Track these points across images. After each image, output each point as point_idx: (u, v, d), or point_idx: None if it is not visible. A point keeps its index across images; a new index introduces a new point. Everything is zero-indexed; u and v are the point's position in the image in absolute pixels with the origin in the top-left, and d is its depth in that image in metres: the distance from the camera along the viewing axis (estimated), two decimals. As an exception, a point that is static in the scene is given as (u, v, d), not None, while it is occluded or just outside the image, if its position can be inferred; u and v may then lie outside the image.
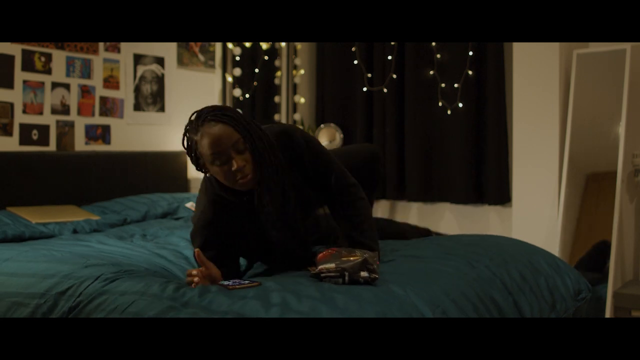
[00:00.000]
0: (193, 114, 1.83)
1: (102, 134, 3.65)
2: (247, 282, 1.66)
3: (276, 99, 4.90)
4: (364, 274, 1.61)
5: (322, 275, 1.64)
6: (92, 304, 1.73)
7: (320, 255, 1.78)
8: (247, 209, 1.88)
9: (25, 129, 3.28)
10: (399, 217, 4.63)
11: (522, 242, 2.41)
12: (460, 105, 4.25)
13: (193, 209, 3.48)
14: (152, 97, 3.96)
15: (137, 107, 3.87)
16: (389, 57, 4.48)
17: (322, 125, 4.74)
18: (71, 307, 1.77)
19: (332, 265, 1.64)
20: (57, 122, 3.42)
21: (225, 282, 1.67)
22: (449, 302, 1.61)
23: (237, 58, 4.49)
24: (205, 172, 1.86)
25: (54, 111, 3.40)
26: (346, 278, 1.61)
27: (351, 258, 1.67)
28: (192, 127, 1.80)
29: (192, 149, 1.80)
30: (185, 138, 1.82)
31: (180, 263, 2.20)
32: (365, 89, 4.59)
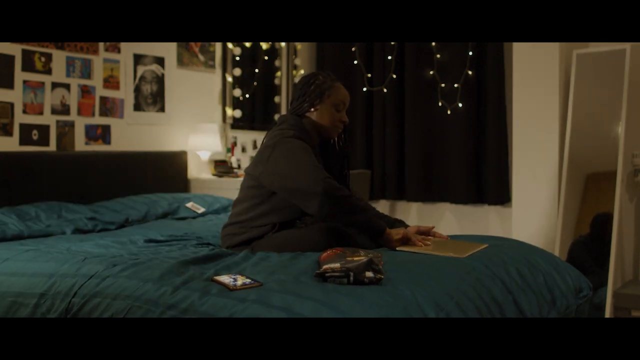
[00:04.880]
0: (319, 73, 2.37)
1: (102, 134, 3.65)
2: (249, 281, 1.66)
3: (276, 99, 4.90)
4: (369, 274, 1.61)
5: (327, 275, 1.64)
6: (86, 307, 1.73)
7: (324, 255, 1.78)
8: (319, 155, 2.32)
9: (25, 129, 3.28)
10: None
11: (520, 241, 2.41)
12: (460, 105, 4.25)
13: (193, 208, 3.48)
14: (152, 97, 3.96)
15: (137, 107, 3.87)
16: (389, 57, 4.48)
17: (322, 125, 4.74)
18: (67, 308, 1.77)
19: (337, 265, 1.64)
20: (57, 122, 3.42)
21: (227, 280, 1.67)
22: (453, 304, 1.61)
23: (237, 58, 4.49)
24: (309, 108, 2.30)
25: (54, 111, 3.40)
26: (351, 278, 1.61)
27: (356, 258, 1.66)
28: (327, 75, 2.35)
29: (323, 86, 2.30)
30: (320, 76, 2.33)
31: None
32: (365, 89, 4.59)
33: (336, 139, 2.40)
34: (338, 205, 2.02)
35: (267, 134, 2.31)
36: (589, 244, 3.36)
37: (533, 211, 3.58)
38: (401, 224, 2.40)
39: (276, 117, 4.89)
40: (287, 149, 2.14)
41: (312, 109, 2.30)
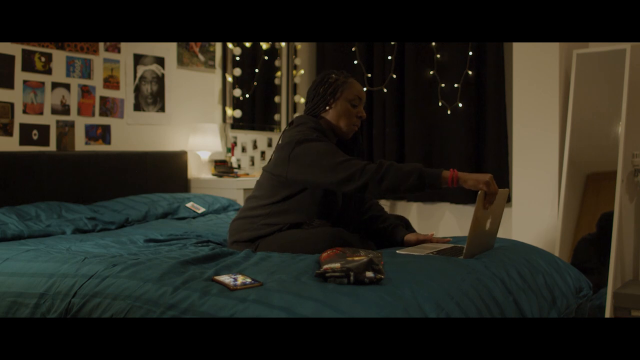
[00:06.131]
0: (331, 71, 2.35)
1: (102, 134, 3.65)
2: (249, 281, 1.66)
3: (276, 99, 4.90)
4: (369, 274, 1.61)
5: (327, 275, 1.64)
6: (86, 307, 1.73)
7: (325, 255, 1.78)
8: None
9: (26, 129, 3.28)
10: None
11: (520, 242, 2.42)
12: (460, 105, 4.25)
13: (193, 208, 3.48)
14: (152, 97, 3.96)
15: (137, 107, 3.87)
16: (389, 57, 4.48)
17: (322, 125, 4.74)
18: (67, 308, 1.77)
19: (337, 265, 1.64)
20: (57, 122, 3.42)
21: (227, 280, 1.67)
22: (453, 304, 1.61)
23: (237, 58, 4.49)
24: (324, 107, 2.28)
25: (54, 111, 3.40)
26: (351, 278, 1.61)
27: (356, 258, 1.66)
28: (340, 73, 2.33)
29: (336, 84, 2.28)
30: (333, 75, 2.31)
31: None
32: (365, 89, 4.59)
33: (353, 137, 2.39)
34: (385, 186, 2.01)
35: (283, 133, 2.29)
36: (596, 243, 3.36)
37: (533, 211, 3.58)
38: (406, 224, 2.40)
39: (276, 117, 4.90)
40: (312, 148, 2.13)
41: (328, 108, 2.29)
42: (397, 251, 2.07)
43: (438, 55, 4.34)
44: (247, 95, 4.59)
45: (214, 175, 4.18)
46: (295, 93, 4.97)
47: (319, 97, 2.29)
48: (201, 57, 4.30)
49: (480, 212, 1.94)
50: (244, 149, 4.64)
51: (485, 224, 2.01)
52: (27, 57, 3.28)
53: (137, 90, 3.87)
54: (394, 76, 4.49)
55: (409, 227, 2.45)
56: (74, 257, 2.07)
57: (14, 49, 3.22)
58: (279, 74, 4.88)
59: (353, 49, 4.61)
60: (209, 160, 4.29)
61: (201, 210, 3.50)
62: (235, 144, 4.54)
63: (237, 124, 4.55)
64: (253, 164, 4.71)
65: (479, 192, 1.93)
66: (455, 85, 4.26)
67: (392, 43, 4.47)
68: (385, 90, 4.53)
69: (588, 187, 3.44)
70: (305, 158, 2.11)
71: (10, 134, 3.21)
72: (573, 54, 3.54)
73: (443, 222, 4.49)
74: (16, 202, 3.03)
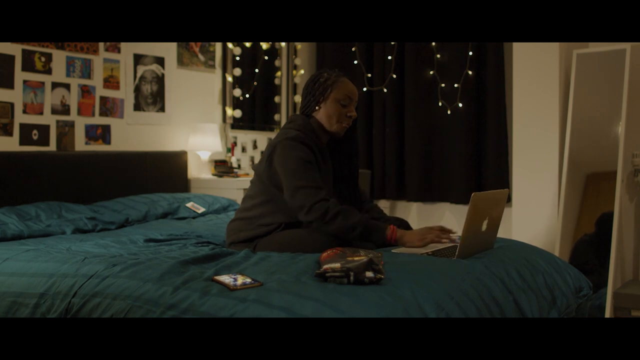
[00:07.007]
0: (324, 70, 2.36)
1: (102, 134, 3.65)
2: (249, 281, 1.66)
3: (276, 99, 4.90)
4: (369, 274, 1.61)
5: (327, 275, 1.64)
6: (86, 307, 1.73)
7: (325, 255, 1.79)
8: (327, 155, 2.34)
9: (26, 129, 3.28)
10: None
11: (520, 242, 2.42)
12: (460, 105, 4.25)
13: (193, 208, 3.48)
14: (152, 97, 3.96)
15: (137, 107, 3.87)
16: (389, 57, 4.48)
17: (322, 125, 4.74)
18: (67, 308, 1.77)
19: (337, 265, 1.64)
20: (57, 122, 3.42)
21: (227, 280, 1.67)
22: (453, 304, 1.61)
23: (237, 58, 4.49)
24: (314, 106, 2.30)
25: (54, 111, 3.40)
26: (351, 278, 1.61)
27: (356, 258, 1.66)
28: (332, 72, 2.32)
29: (326, 83, 2.28)
30: (325, 74, 2.31)
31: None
32: (365, 89, 4.59)
33: (347, 137, 2.40)
34: (331, 230, 2.10)
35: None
36: (594, 243, 3.36)
37: (533, 211, 3.58)
38: (405, 227, 2.39)
39: (276, 117, 4.90)
40: (285, 156, 2.16)
41: (318, 107, 2.30)
42: (393, 250, 2.07)
43: (438, 55, 4.34)
44: (247, 95, 4.59)
45: (214, 175, 4.18)
46: (295, 93, 4.97)
47: (310, 96, 2.31)
48: (201, 57, 4.30)
49: (474, 214, 1.94)
50: (244, 149, 4.64)
51: (481, 225, 2.01)
52: (27, 57, 3.28)
53: (137, 90, 3.87)
54: (394, 76, 4.49)
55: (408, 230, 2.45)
56: (74, 257, 2.07)
57: (14, 49, 3.22)
58: (279, 74, 4.88)
59: (353, 49, 4.61)
60: (209, 160, 4.29)
61: (201, 210, 3.50)
62: (235, 144, 4.54)
63: (237, 124, 4.55)
64: (253, 164, 4.71)
65: (472, 195, 1.94)
66: (455, 85, 4.26)
67: (392, 43, 4.47)
68: (385, 90, 4.53)
69: (588, 187, 3.44)
70: (279, 167, 2.17)
71: (10, 134, 3.21)
72: (573, 54, 3.54)
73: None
74: (16, 202, 3.03)
